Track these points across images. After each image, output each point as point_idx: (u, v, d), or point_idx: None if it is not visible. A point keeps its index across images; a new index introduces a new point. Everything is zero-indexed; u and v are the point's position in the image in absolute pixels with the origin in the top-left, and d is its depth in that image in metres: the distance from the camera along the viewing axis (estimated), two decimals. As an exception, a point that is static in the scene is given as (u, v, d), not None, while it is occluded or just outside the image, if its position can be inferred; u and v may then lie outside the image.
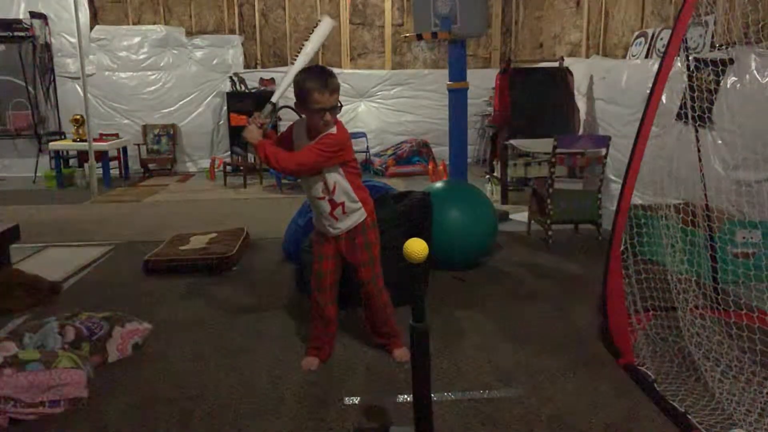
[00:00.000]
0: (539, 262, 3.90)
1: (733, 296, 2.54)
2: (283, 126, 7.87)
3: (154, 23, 8.00)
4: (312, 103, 2.21)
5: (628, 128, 4.64)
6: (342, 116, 2.35)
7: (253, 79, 7.89)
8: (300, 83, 2.24)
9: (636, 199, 2.91)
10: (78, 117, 6.92)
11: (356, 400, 2.23)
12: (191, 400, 2.24)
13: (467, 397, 2.23)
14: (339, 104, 2.26)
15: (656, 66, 2.40)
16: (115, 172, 7.37)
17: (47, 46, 7.61)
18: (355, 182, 2.37)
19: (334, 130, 2.26)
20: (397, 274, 2.84)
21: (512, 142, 5.38)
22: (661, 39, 4.90)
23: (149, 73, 7.90)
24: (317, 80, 2.20)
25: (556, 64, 5.94)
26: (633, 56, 5.27)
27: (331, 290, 2.48)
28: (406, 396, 2.21)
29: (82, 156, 7.04)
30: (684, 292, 2.51)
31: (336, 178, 2.32)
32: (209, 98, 8.00)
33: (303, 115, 2.34)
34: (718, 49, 3.91)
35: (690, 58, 2.90)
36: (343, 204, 2.35)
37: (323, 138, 2.25)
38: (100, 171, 6.84)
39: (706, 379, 2.22)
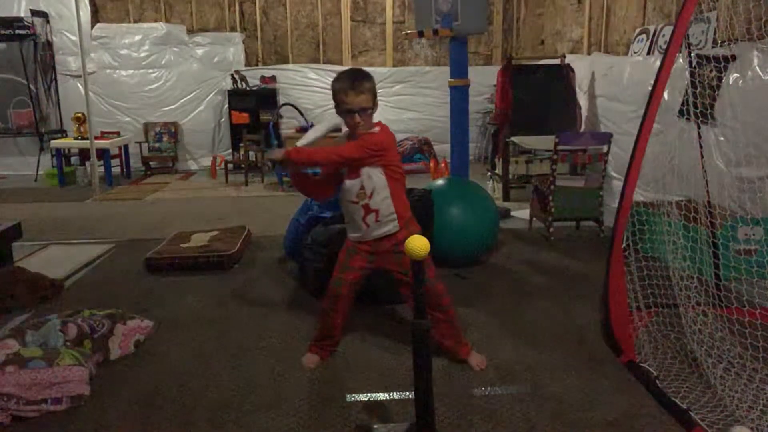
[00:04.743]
0: (541, 259, 3.89)
1: (735, 293, 2.54)
2: (285, 123, 7.87)
3: (155, 21, 8.00)
4: (340, 104, 2.23)
5: (629, 125, 4.62)
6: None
7: (254, 77, 7.89)
8: (332, 85, 2.27)
9: (638, 196, 2.91)
10: (79, 115, 6.92)
11: (358, 397, 2.23)
12: (193, 397, 2.24)
13: (469, 393, 2.23)
14: (371, 106, 2.23)
15: (658, 63, 2.39)
16: (116, 170, 7.37)
17: (48, 44, 7.60)
18: (396, 192, 2.30)
19: (376, 129, 2.26)
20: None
21: (514, 139, 5.37)
22: (663, 35, 4.88)
23: (150, 71, 7.89)
24: (344, 82, 2.21)
25: (557, 61, 5.93)
26: (635, 53, 5.26)
27: (345, 301, 2.45)
28: (407, 393, 2.21)
29: (84, 154, 7.04)
30: (686, 289, 2.51)
31: (376, 183, 2.25)
32: (210, 96, 7.99)
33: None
34: (721, 46, 3.90)
35: (692, 54, 2.89)
36: (377, 212, 2.28)
37: (365, 136, 2.24)
38: (102, 169, 6.84)
39: (708, 376, 2.22)
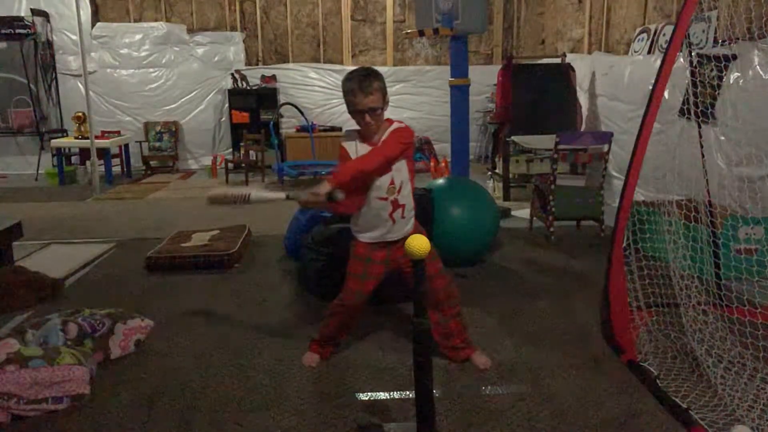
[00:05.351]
0: (541, 258, 3.89)
1: (735, 292, 2.54)
2: (285, 122, 7.87)
3: (156, 20, 8.00)
4: (349, 104, 2.21)
5: (630, 124, 4.62)
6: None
7: (254, 76, 7.89)
8: (342, 85, 2.24)
9: (638, 196, 2.90)
10: (80, 114, 6.92)
11: (358, 396, 2.23)
12: (193, 396, 2.24)
13: (469, 393, 2.23)
14: (381, 105, 2.19)
15: (659, 62, 2.39)
16: (117, 169, 7.37)
17: (49, 44, 7.61)
18: (412, 186, 2.31)
19: (402, 125, 2.25)
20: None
21: (514, 138, 5.37)
22: (664, 35, 4.88)
23: (151, 70, 7.90)
24: (353, 82, 2.18)
25: (558, 61, 5.93)
26: (635, 52, 5.25)
27: (362, 305, 2.44)
28: (408, 392, 2.21)
29: (84, 153, 7.05)
30: (686, 288, 2.51)
31: (403, 176, 2.25)
32: (211, 95, 8.00)
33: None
34: (721, 45, 3.89)
35: (693, 53, 2.89)
36: (404, 207, 2.27)
37: (396, 131, 2.22)
38: (102, 168, 6.84)
39: (709, 376, 2.22)
